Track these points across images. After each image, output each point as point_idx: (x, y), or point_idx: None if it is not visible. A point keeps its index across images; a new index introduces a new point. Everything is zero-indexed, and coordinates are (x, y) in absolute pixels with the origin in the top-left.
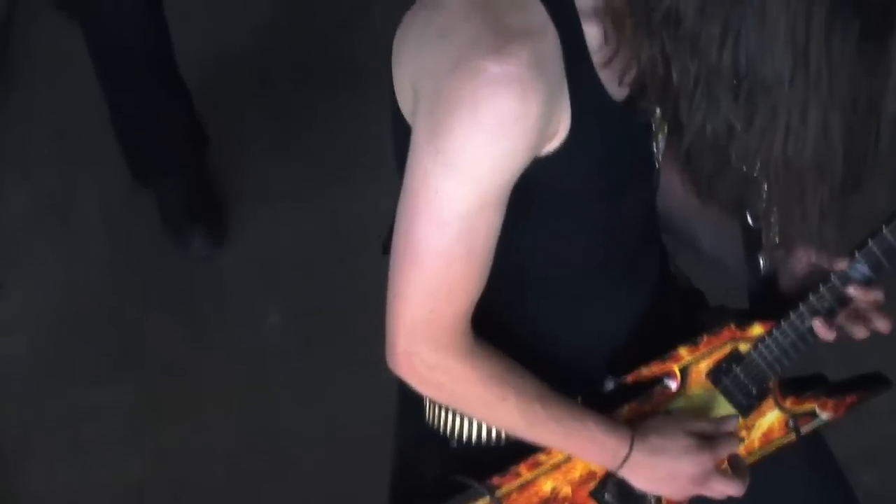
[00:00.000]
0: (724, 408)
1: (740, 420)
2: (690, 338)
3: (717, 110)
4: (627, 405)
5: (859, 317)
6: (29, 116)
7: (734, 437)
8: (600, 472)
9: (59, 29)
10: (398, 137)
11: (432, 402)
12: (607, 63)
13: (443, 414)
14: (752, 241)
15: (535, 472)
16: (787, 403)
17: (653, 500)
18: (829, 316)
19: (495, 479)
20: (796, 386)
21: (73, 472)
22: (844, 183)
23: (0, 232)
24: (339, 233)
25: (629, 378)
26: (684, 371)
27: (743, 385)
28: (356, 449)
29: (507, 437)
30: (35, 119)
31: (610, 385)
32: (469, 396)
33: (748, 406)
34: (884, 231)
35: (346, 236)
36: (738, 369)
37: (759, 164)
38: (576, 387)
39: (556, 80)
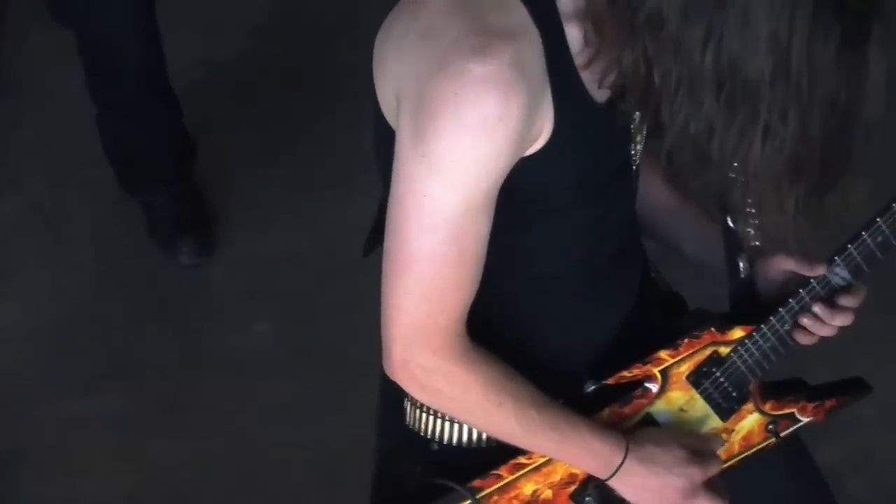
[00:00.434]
0: (704, 411)
1: (720, 423)
2: (671, 341)
3: (699, 111)
4: (608, 408)
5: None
6: (17, 125)
7: (718, 458)
8: (581, 475)
9: (50, 39)
10: (380, 141)
11: (413, 405)
12: (588, 65)
13: (423, 416)
14: (733, 244)
15: (516, 474)
16: (767, 407)
17: None
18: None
19: (476, 482)
20: (776, 390)
21: (62, 483)
22: (820, 182)
23: None
24: (327, 241)
25: (610, 380)
26: (665, 374)
27: (723, 388)
28: (346, 457)
29: (488, 439)
30: (24, 128)
31: (590, 387)
32: (467, 402)
33: (728, 409)
34: (864, 236)
35: (334, 245)
36: (718, 372)
37: (737, 163)
38: (557, 389)
39: (539, 81)
